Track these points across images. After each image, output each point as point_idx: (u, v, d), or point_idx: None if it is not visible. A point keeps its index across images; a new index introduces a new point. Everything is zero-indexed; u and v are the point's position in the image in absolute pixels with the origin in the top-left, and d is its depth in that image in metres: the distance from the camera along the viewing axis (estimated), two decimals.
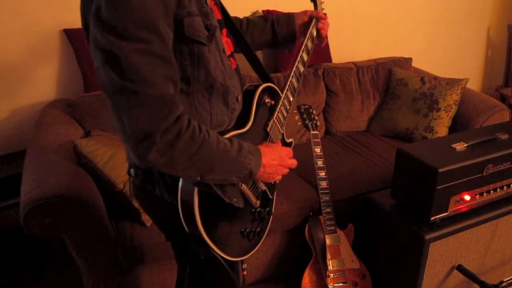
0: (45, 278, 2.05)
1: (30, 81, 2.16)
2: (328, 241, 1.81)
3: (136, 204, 1.63)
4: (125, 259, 1.61)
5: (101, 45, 0.77)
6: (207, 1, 0.99)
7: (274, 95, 1.20)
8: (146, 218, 1.65)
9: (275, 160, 1.07)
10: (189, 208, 0.95)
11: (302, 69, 1.28)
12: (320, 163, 1.88)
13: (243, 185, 1.05)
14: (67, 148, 1.67)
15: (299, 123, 1.94)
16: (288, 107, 1.24)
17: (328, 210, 1.84)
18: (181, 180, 0.96)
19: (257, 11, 2.55)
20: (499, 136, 1.65)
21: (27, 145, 1.78)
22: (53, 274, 2.07)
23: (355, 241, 1.88)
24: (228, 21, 1.16)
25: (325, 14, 1.37)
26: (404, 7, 3.07)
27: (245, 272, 1.18)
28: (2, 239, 2.00)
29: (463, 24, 3.38)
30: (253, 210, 1.13)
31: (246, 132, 1.09)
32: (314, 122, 1.93)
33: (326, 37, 1.37)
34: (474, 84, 3.64)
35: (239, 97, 1.09)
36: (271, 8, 2.56)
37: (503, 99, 3.31)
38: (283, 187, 1.96)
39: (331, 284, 1.78)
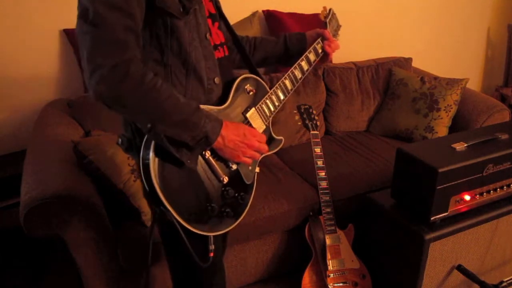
0: (45, 278, 2.05)
1: (30, 81, 2.16)
2: (328, 241, 1.81)
3: (136, 204, 1.63)
4: (125, 259, 1.61)
5: (80, 3, 0.92)
6: None
7: (258, 86, 1.25)
8: (146, 218, 1.65)
9: (238, 136, 1.09)
10: (146, 164, 1.00)
11: (300, 75, 1.33)
12: (320, 163, 1.88)
13: (207, 154, 1.08)
14: (67, 148, 1.67)
15: (299, 123, 1.95)
16: (276, 103, 1.27)
17: (328, 210, 1.84)
18: (145, 138, 1.02)
19: (257, 11, 2.55)
20: (499, 136, 1.65)
21: (27, 145, 1.78)
22: (53, 274, 2.07)
23: (355, 241, 1.88)
24: (225, 21, 1.25)
25: (337, 40, 1.46)
26: (404, 7, 3.07)
27: (211, 254, 1.14)
28: (2, 239, 2.00)
29: (463, 24, 3.38)
30: (222, 188, 1.13)
31: (221, 109, 1.13)
32: (314, 122, 1.94)
33: (331, 56, 1.43)
34: (474, 84, 3.64)
35: (216, 79, 1.14)
36: (271, 8, 2.56)
37: (503, 99, 3.31)
38: (283, 187, 1.96)
39: (331, 284, 1.78)
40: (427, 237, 1.52)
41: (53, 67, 2.20)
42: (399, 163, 1.63)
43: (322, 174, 1.87)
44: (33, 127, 1.96)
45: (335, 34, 1.50)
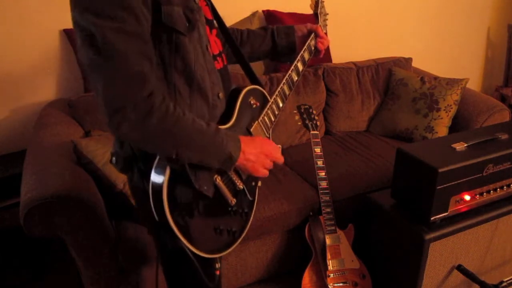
0: (45, 278, 2.05)
1: (30, 81, 2.16)
2: (328, 241, 1.81)
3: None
4: (125, 259, 1.61)
5: (80, 25, 0.82)
6: (196, 0, 1.02)
7: (261, 98, 1.20)
8: None
9: (256, 149, 1.06)
10: (158, 194, 0.95)
11: (296, 78, 1.30)
12: (320, 163, 1.88)
13: (218, 179, 1.04)
14: (67, 148, 1.67)
15: (299, 123, 1.94)
16: (276, 112, 1.24)
17: (328, 210, 1.84)
18: (154, 165, 0.96)
19: (257, 11, 2.55)
20: (499, 136, 1.65)
21: (27, 145, 1.78)
22: (53, 274, 2.07)
23: (355, 241, 1.88)
24: (219, 23, 1.19)
25: (325, 33, 1.41)
26: (404, 7, 3.07)
27: (218, 272, 1.14)
28: (2, 239, 2.00)
29: (463, 24, 3.38)
30: (229, 208, 1.11)
31: (227, 128, 1.09)
32: (314, 122, 1.94)
33: (323, 52, 1.39)
34: (474, 84, 3.64)
35: (220, 94, 1.10)
36: (271, 8, 2.56)
37: (503, 99, 3.31)
38: (283, 187, 1.96)
39: (331, 284, 1.78)
40: (427, 237, 1.52)
41: (53, 67, 2.20)
42: (399, 163, 1.63)
43: (322, 174, 1.87)
44: (33, 127, 1.96)
45: (325, 25, 1.45)
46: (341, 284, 1.79)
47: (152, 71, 0.87)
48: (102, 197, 1.57)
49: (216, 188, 1.05)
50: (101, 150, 1.66)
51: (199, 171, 0.99)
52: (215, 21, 1.16)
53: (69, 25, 2.12)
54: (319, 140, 1.90)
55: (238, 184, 1.11)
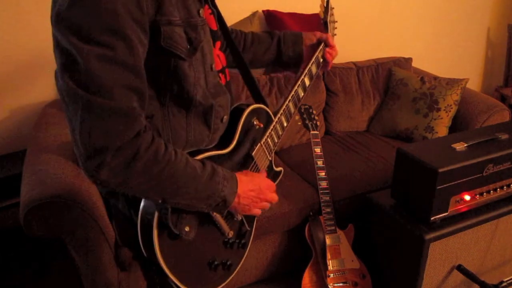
0: (45, 278, 2.05)
1: (30, 81, 2.16)
2: (328, 241, 1.81)
3: None
4: (125, 259, 1.61)
5: (61, 46, 0.70)
6: (200, 11, 0.90)
7: (265, 118, 1.10)
8: None
9: (253, 192, 0.97)
10: (148, 234, 0.86)
11: (302, 94, 1.20)
12: (320, 163, 1.88)
13: (215, 213, 0.96)
14: (67, 148, 1.67)
15: (299, 123, 1.94)
16: (280, 133, 1.14)
17: (328, 210, 1.84)
18: (143, 200, 0.88)
19: (257, 11, 2.55)
20: (499, 136, 1.65)
21: (27, 145, 1.78)
22: (53, 274, 2.07)
23: (355, 241, 1.88)
24: (224, 32, 1.08)
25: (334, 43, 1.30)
26: (404, 7, 3.07)
27: None
28: (2, 239, 2.00)
29: (463, 24, 3.38)
30: (225, 240, 1.03)
31: (226, 154, 1.00)
32: (314, 122, 1.93)
33: (331, 63, 1.30)
34: (474, 84, 3.64)
35: (224, 118, 1.00)
36: (271, 8, 2.55)
37: (503, 99, 3.31)
38: (283, 187, 1.96)
39: (331, 284, 1.78)
40: (427, 237, 1.52)
41: (53, 67, 2.18)
42: (399, 163, 1.63)
43: (322, 174, 1.87)
44: (33, 127, 1.96)
45: (334, 34, 1.37)
46: (341, 284, 1.79)
47: (142, 108, 0.76)
48: (102, 197, 1.57)
49: (214, 220, 0.97)
50: None
51: (184, 211, 0.89)
52: (220, 31, 1.06)
53: None
54: (319, 140, 1.90)
55: (236, 215, 1.04)
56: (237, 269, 1.09)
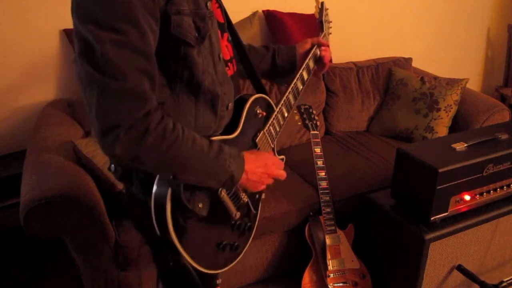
0: (45, 278, 2.05)
1: (30, 81, 2.16)
2: (328, 241, 1.81)
3: None
4: (125, 259, 1.61)
5: (80, 33, 0.77)
6: (208, 4, 0.96)
7: (267, 107, 1.17)
8: None
9: (260, 168, 1.03)
10: (161, 211, 0.91)
11: (301, 87, 1.27)
12: (320, 163, 1.88)
13: (223, 192, 1.00)
14: (67, 148, 1.67)
15: (299, 123, 1.94)
16: (281, 122, 1.21)
17: (328, 210, 1.84)
18: (156, 180, 0.93)
19: (257, 11, 2.55)
20: (499, 136, 1.65)
21: (27, 145, 1.78)
22: (53, 274, 2.07)
23: (355, 241, 1.88)
24: (230, 26, 1.14)
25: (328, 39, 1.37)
26: (404, 7, 3.07)
27: (219, 287, 1.13)
28: (2, 239, 2.00)
29: (463, 24, 3.38)
30: (232, 222, 1.08)
31: (232, 139, 1.05)
32: (314, 122, 1.93)
33: (328, 63, 1.35)
34: (474, 84, 3.64)
35: (229, 105, 1.06)
36: (271, 8, 2.56)
37: (503, 99, 3.31)
38: (283, 187, 1.96)
39: (331, 284, 1.78)
40: (427, 237, 1.52)
41: (53, 67, 2.19)
42: (399, 163, 1.63)
43: (322, 174, 1.87)
44: (33, 127, 1.96)
45: (329, 33, 1.44)
46: (341, 284, 1.79)
47: (153, 90, 0.83)
48: (102, 197, 1.57)
49: (220, 202, 1.01)
50: (101, 150, 1.66)
51: (197, 188, 0.95)
52: (226, 24, 1.12)
53: (69, 25, 2.12)
54: (319, 140, 1.90)
55: (242, 197, 1.08)
56: (243, 252, 1.14)
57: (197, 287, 1.04)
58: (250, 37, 2.47)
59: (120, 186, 1.63)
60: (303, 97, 2.41)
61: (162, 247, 1.01)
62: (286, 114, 1.22)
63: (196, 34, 0.91)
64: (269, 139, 1.17)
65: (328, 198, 1.85)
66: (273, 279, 2.02)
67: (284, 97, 1.21)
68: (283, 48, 1.31)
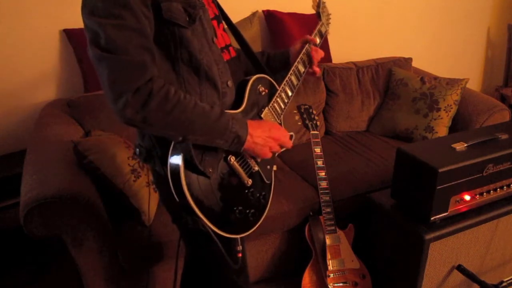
0: (45, 278, 2.05)
1: (30, 81, 2.16)
2: (328, 241, 1.81)
3: (136, 204, 1.63)
4: (125, 259, 1.61)
5: (88, 26, 0.92)
6: None
7: (269, 85, 1.26)
8: (146, 218, 1.65)
9: (264, 132, 1.11)
10: (176, 176, 1.01)
11: (303, 69, 1.34)
12: (320, 163, 1.88)
13: (232, 159, 1.09)
14: (67, 148, 1.67)
15: (299, 123, 1.94)
16: (286, 101, 1.29)
17: (328, 210, 1.84)
18: (170, 150, 1.03)
19: (257, 11, 2.55)
20: (499, 136, 1.65)
21: (27, 145, 1.78)
22: (53, 274, 2.07)
23: (355, 241, 1.88)
24: (226, 18, 1.25)
25: (327, 31, 1.46)
26: (404, 7, 3.07)
27: (240, 254, 1.19)
28: (2, 239, 2.00)
29: (463, 24, 3.38)
30: (246, 190, 1.15)
31: (237, 113, 1.13)
32: (314, 122, 1.93)
33: (318, 66, 1.40)
34: (474, 84, 3.64)
35: (228, 82, 1.15)
36: (271, 8, 2.56)
37: (503, 99, 3.31)
38: (283, 187, 1.96)
39: (331, 284, 1.78)
40: (427, 237, 1.52)
41: (53, 67, 2.20)
42: (399, 163, 1.63)
43: (322, 174, 1.87)
44: (33, 127, 1.96)
45: (328, 24, 1.50)
46: (341, 284, 1.79)
47: (152, 61, 0.95)
48: (102, 197, 1.57)
49: (232, 169, 1.10)
50: (101, 150, 1.66)
51: (206, 152, 1.04)
52: (221, 16, 1.22)
53: (69, 25, 2.14)
54: (319, 140, 1.90)
55: (252, 165, 1.16)
56: (261, 220, 1.20)
57: (220, 252, 1.11)
58: (250, 37, 2.48)
59: (120, 185, 1.63)
60: (303, 97, 2.42)
61: (183, 214, 1.07)
62: (290, 93, 1.30)
63: (187, 18, 1.03)
64: (274, 115, 1.25)
65: (328, 198, 1.85)
66: (273, 279, 2.02)
67: (286, 78, 1.29)
68: (277, 53, 1.41)
